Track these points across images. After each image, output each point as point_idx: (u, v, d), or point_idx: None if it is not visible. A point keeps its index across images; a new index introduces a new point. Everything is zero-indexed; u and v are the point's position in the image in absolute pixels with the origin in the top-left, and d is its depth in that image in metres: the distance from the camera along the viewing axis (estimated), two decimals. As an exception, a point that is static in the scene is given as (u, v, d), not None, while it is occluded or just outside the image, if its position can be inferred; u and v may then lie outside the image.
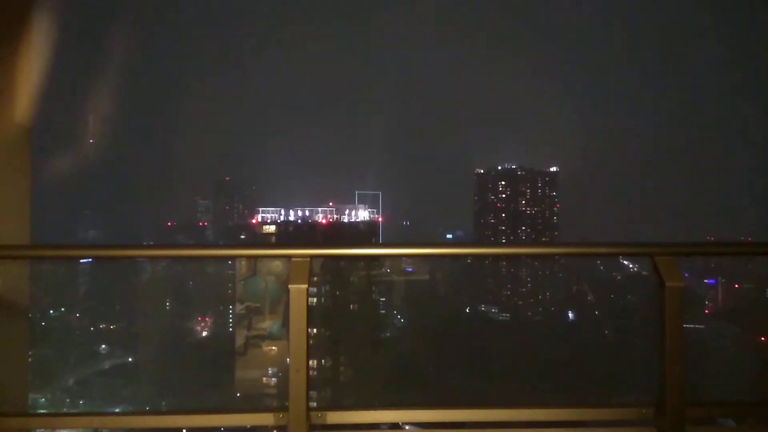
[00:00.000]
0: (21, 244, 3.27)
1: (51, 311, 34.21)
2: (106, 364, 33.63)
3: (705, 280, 38.12)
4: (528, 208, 61.29)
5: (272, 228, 42.73)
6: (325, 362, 29.84)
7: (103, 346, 34.69)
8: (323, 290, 31.55)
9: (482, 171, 63.91)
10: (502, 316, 44.29)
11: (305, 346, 2.58)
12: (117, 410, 28.17)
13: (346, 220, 46.04)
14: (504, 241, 58.84)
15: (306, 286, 2.60)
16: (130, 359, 34.11)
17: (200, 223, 64.63)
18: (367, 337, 33.43)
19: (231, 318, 32.71)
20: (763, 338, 30.59)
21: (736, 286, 38.43)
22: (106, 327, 36.00)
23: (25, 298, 3.48)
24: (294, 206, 44.96)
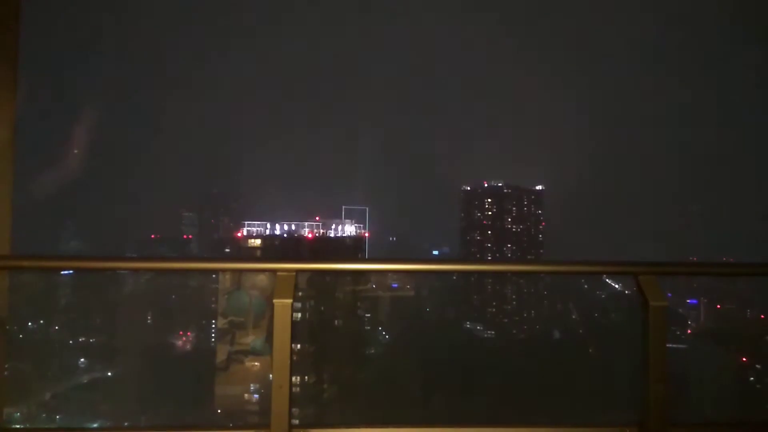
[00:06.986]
0: (1, 255, 3.22)
1: (29, 323, 33.50)
2: (85, 378, 32.91)
3: (687, 300, 38.47)
4: (514, 226, 62.12)
5: (257, 242, 42.41)
6: (308, 378, 29.50)
7: (82, 359, 33.98)
8: (307, 305, 31.29)
9: (469, 188, 64.91)
10: (488, 333, 44.32)
11: (288, 362, 2.55)
12: (95, 426, 27.55)
13: (332, 235, 45.85)
14: (490, 258, 59.30)
15: (291, 300, 2.58)
16: (109, 373, 33.44)
17: (185, 236, 63.99)
18: (352, 353, 33.17)
19: (213, 332, 32.27)
20: (744, 359, 30.85)
21: (719, 306, 38.84)
22: (86, 340, 35.30)
23: (4, 309, 3.42)
24: (280, 220, 44.72)
